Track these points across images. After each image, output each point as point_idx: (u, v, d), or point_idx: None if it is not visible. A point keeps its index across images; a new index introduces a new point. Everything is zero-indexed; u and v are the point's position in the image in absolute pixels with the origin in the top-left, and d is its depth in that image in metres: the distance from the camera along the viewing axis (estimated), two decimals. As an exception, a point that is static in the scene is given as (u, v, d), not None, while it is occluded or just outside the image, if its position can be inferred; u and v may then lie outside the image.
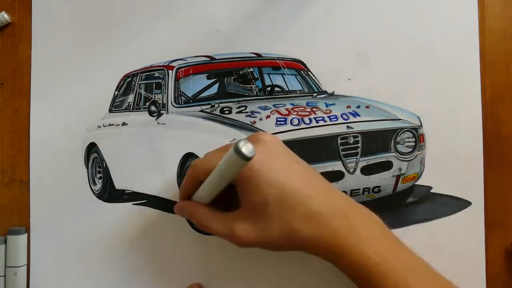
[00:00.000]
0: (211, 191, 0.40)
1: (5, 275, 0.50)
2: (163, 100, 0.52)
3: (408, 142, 0.50)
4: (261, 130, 0.48)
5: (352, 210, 0.39)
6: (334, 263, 0.38)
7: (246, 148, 0.33)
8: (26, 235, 0.51)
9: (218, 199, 0.41)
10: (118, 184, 0.52)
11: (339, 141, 0.48)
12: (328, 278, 0.48)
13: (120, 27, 0.52)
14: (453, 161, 0.49)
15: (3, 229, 0.52)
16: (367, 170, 0.49)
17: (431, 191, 0.49)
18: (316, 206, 0.37)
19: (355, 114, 0.50)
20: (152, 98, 0.53)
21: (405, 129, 0.50)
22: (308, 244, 0.37)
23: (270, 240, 0.37)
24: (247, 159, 0.33)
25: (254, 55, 0.51)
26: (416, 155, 0.50)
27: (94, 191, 0.52)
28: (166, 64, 0.52)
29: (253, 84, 0.52)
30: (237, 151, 0.33)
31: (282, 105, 0.50)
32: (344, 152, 0.49)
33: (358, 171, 0.49)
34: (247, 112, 0.50)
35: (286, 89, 0.53)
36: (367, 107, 0.50)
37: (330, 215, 0.37)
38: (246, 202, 0.38)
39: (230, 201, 0.42)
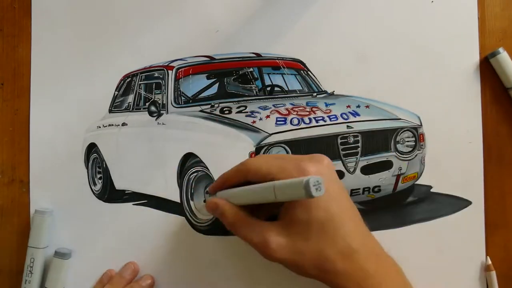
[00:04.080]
0: (254, 200, 0.39)
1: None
2: (163, 100, 0.52)
3: (408, 141, 0.50)
4: (261, 130, 0.48)
5: (384, 257, 0.40)
6: None
7: (317, 190, 0.31)
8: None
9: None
10: (118, 184, 0.52)
11: (339, 141, 0.48)
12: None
13: (120, 27, 0.52)
14: (453, 160, 0.49)
15: (3, 230, 0.52)
16: (367, 170, 0.49)
17: (431, 190, 0.49)
18: (356, 244, 0.37)
19: (355, 114, 0.50)
20: (152, 98, 0.53)
21: (405, 129, 0.50)
22: (338, 279, 0.37)
23: (301, 262, 0.37)
24: (311, 197, 0.32)
25: (254, 55, 0.51)
26: (416, 155, 0.50)
27: (94, 191, 0.52)
28: (166, 64, 0.52)
29: (253, 84, 0.52)
30: (307, 189, 0.31)
31: (282, 105, 0.50)
32: (344, 152, 0.49)
33: (358, 170, 0.49)
34: (247, 112, 0.50)
35: (286, 89, 0.53)
36: (367, 106, 0.50)
37: (366, 257, 0.37)
38: (289, 217, 0.38)
39: (260, 207, 0.41)
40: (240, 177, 0.41)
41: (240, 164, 0.41)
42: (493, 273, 0.47)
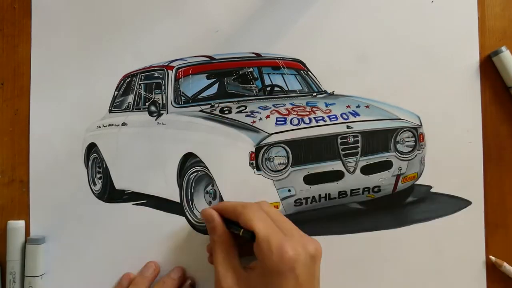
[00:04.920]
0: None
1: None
2: (162, 100, 0.52)
3: (408, 141, 0.50)
4: (261, 129, 0.48)
5: None
6: None
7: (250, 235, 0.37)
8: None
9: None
10: (118, 184, 0.52)
11: (339, 141, 0.48)
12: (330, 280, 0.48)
13: (120, 27, 0.52)
14: (453, 160, 0.49)
15: (2, 228, 0.52)
16: (367, 170, 0.49)
17: (431, 190, 0.49)
18: None
19: (355, 114, 0.50)
20: (152, 98, 0.53)
21: (405, 129, 0.50)
22: None
23: None
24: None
25: (254, 55, 0.51)
26: (416, 155, 0.50)
27: (94, 191, 0.52)
28: (166, 64, 0.52)
29: (253, 84, 0.52)
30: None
31: (282, 105, 0.50)
32: (344, 152, 0.48)
33: (358, 170, 0.49)
34: (247, 112, 0.50)
35: (286, 89, 0.53)
36: (367, 106, 0.50)
37: None
38: (252, 280, 0.40)
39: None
40: (234, 215, 0.42)
41: (241, 205, 0.42)
42: (506, 264, 0.47)
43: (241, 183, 0.46)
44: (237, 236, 0.42)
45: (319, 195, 0.48)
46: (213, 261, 0.42)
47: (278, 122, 0.48)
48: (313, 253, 0.39)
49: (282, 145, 0.47)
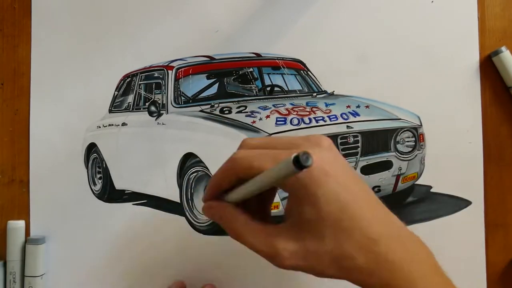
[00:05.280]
0: (248, 195, 0.34)
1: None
2: (162, 100, 0.52)
3: (408, 141, 0.50)
4: (261, 130, 0.48)
5: (411, 241, 0.34)
6: None
7: (308, 161, 0.27)
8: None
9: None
10: (118, 184, 0.52)
11: (339, 141, 0.48)
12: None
13: (120, 27, 0.52)
14: (453, 160, 0.49)
15: (2, 229, 0.52)
16: (367, 170, 0.49)
17: (431, 190, 0.49)
18: (376, 233, 0.32)
19: (355, 114, 0.50)
20: (152, 98, 0.53)
21: (405, 129, 0.50)
22: (360, 275, 0.32)
23: (318, 266, 0.33)
24: (304, 168, 0.27)
25: (254, 55, 0.51)
26: (416, 155, 0.50)
27: (94, 191, 0.52)
28: (166, 64, 0.52)
29: (253, 84, 0.52)
30: (297, 163, 0.27)
31: (282, 105, 0.50)
32: (344, 152, 0.49)
33: (358, 170, 0.49)
34: (247, 112, 0.50)
35: (286, 89, 0.53)
36: (367, 106, 0.50)
37: (389, 246, 0.32)
38: (297, 217, 0.33)
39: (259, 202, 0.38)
40: (231, 179, 0.35)
41: (228, 161, 0.35)
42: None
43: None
44: (249, 202, 0.36)
45: (319, 195, 0.48)
46: (251, 247, 0.35)
47: (278, 122, 0.48)
48: (328, 145, 0.34)
49: (282, 145, 0.47)
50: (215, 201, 0.37)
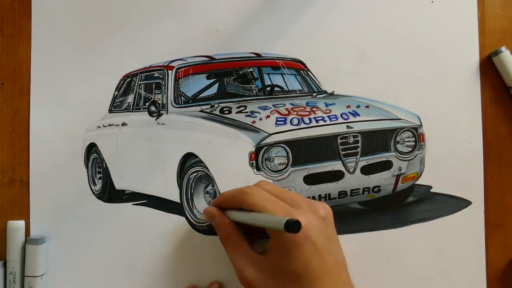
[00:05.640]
0: (243, 222, 0.41)
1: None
2: (162, 100, 0.52)
3: (408, 141, 0.50)
4: (261, 130, 0.48)
5: None
6: None
7: (295, 230, 0.34)
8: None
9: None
10: (118, 184, 0.52)
11: (339, 141, 0.48)
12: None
13: (120, 27, 0.52)
14: (453, 160, 0.49)
15: (2, 229, 0.52)
16: (367, 170, 0.49)
17: (431, 190, 0.49)
18: None
19: (355, 114, 0.50)
20: (152, 98, 0.53)
21: (405, 129, 0.50)
22: None
23: None
24: (291, 232, 0.35)
25: (254, 55, 0.51)
26: (416, 155, 0.50)
27: (94, 191, 0.52)
28: (166, 64, 0.52)
29: (252, 84, 0.52)
30: (287, 227, 0.34)
31: (282, 105, 0.50)
32: (344, 152, 0.49)
33: (358, 170, 0.49)
34: (247, 112, 0.50)
35: (286, 89, 0.53)
36: (367, 106, 0.50)
37: None
38: (271, 256, 0.39)
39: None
40: (236, 205, 0.42)
41: (240, 192, 0.41)
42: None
43: (241, 183, 0.46)
44: (244, 225, 0.42)
45: (319, 195, 0.48)
46: (228, 256, 0.42)
47: (278, 122, 0.48)
48: (324, 215, 0.39)
49: (282, 145, 0.47)
50: (218, 211, 0.44)
